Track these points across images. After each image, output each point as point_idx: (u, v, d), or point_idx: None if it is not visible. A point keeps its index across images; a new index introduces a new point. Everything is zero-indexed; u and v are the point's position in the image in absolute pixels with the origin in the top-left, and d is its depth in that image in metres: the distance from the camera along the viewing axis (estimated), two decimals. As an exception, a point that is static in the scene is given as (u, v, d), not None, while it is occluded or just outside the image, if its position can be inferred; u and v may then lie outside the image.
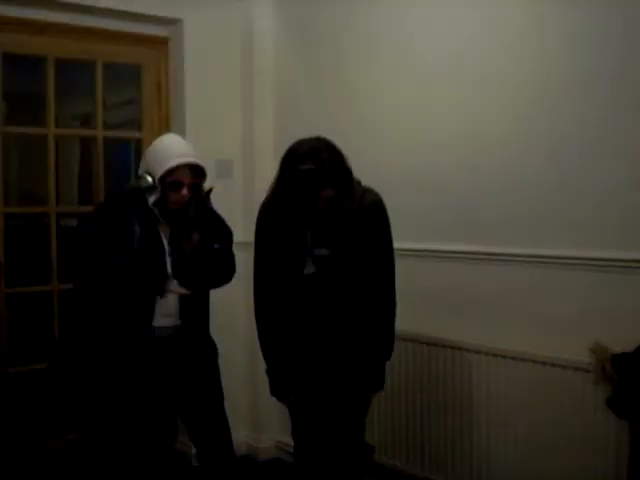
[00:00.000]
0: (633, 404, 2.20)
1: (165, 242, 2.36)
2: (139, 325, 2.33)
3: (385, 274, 2.27)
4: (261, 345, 2.36)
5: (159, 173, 2.27)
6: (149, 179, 2.29)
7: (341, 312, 2.23)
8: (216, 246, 2.39)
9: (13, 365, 3.21)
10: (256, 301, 2.36)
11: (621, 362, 2.24)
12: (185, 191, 2.29)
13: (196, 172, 2.32)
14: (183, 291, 2.35)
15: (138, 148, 3.60)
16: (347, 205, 2.18)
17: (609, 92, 2.35)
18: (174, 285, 2.34)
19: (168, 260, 2.35)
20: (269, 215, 2.30)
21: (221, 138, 3.54)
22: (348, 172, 2.20)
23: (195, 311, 2.44)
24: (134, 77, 3.55)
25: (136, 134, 3.62)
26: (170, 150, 2.33)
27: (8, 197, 3.54)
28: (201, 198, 2.37)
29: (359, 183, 2.28)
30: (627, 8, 2.30)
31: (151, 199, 2.31)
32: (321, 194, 2.12)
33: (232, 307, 3.43)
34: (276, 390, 2.34)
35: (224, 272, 2.46)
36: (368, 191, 2.28)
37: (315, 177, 2.09)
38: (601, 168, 2.38)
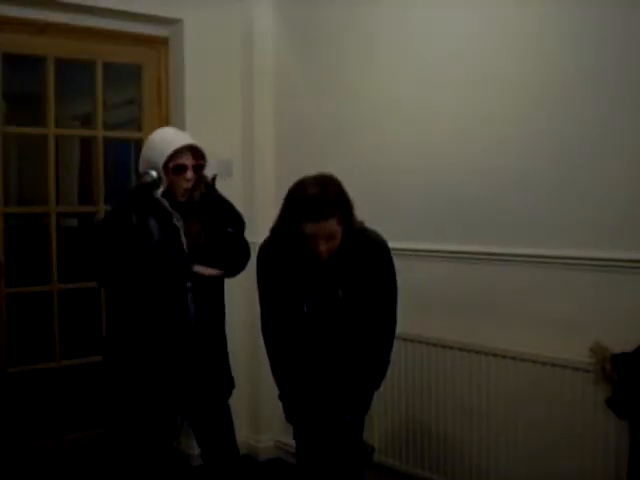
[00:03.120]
0: (633, 404, 2.20)
1: (182, 234, 2.37)
2: (176, 321, 2.34)
3: (387, 314, 2.27)
4: (274, 374, 2.36)
5: (162, 160, 2.28)
6: (153, 173, 2.30)
7: (340, 346, 2.27)
8: (230, 230, 2.38)
9: (13, 365, 3.21)
10: (265, 332, 2.37)
11: (621, 362, 2.24)
12: (190, 173, 2.30)
13: (196, 155, 2.34)
14: (211, 272, 2.31)
15: (138, 148, 3.60)
16: (350, 254, 2.17)
17: (609, 92, 2.35)
18: (198, 267, 2.30)
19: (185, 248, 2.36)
20: (271, 261, 2.28)
21: (221, 138, 3.54)
22: (352, 214, 2.14)
23: (209, 308, 2.43)
24: (134, 77, 3.55)
25: (136, 134, 3.62)
26: (168, 137, 2.36)
27: (8, 197, 3.55)
28: (208, 184, 2.37)
29: (363, 227, 2.23)
30: (627, 8, 2.30)
31: (158, 192, 2.31)
32: (326, 228, 2.07)
33: (231, 307, 3.41)
34: (291, 416, 2.36)
35: (240, 257, 2.45)
36: (372, 238, 2.24)
37: (321, 204, 2.04)
38: (601, 168, 2.38)
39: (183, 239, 2.36)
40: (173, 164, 2.28)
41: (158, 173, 2.29)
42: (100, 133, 3.44)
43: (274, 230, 2.24)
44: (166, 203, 2.33)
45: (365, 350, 2.26)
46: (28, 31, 3.16)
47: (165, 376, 2.36)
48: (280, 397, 2.36)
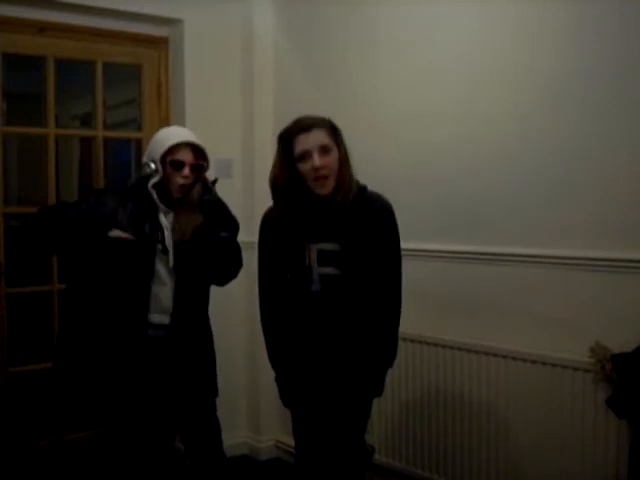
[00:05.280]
0: (633, 404, 2.20)
1: (166, 228, 2.35)
2: (133, 321, 2.32)
3: (392, 283, 2.22)
4: (269, 356, 2.33)
5: (160, 152, 2.29)
6: (152, 165, 2.31)
7: (347, 323, 2.21)
8: (223, 234, 2.36)
9: (13, 365, 3.20)
10: (262, 312, 2.34)
11: (621, 362, 2.25)
12: (187, 171, 2.31)
13: (197, 155, 2.34)
14: (123, 234, 2.28)
15: (138, 148, 3.61)
16: (347, 192, 2.15)
17: (609, 92, 2.35)
18: (115, 231, 2.28)
19: (170, 244, 2.34)
20: (273, 225, 2.27)
21: (221, 138, 3.54)
22: (346, 148, 2.19)
23: (191, 308, 2.41)
24: (134, 77, 3.55)
25: (136, 134, 3.62)
26: (171, 132, 2.40)
27: (8, 197, 3.55)
28: (206, 185, 2.36)
29: (365, 188, 2.24)
30: (627, 7, 2.30)
31: (150, 182, 2.31)
32: (317, 138, 2.10)
33: (232, 307, 3.43)
34: (285, 398, 2.33)
35: (231, 263, 2.43)
36: (375, 200, 2.23)
37: (309, 118, 2.14)
38: (601, 168, 2.38)
39: (167, 234, 2.34)
40: (171, 158, 2.30)
41: (156, 165, 2.31)
42: (100, 133, 3.44)
43: (273, 182, 2.21)
44: (155, 195, 2.33)
45: (371, 323, 2.20)
46: (28, 31, 3.16)
47: (156, 377, 2.35)
48: (276, 380, 2.33)
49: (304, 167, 2.12)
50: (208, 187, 2.37)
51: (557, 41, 2.48)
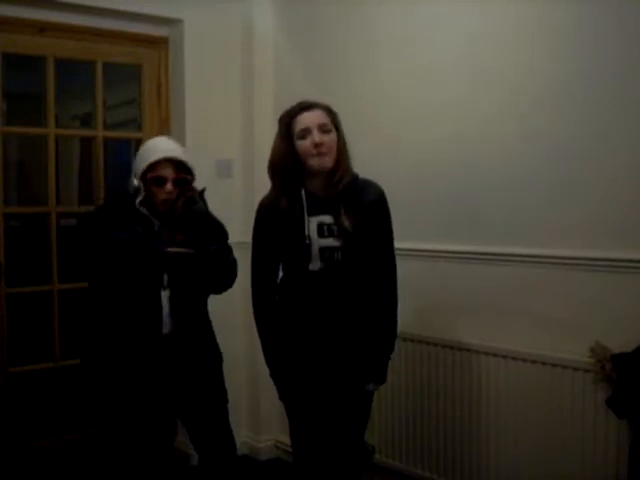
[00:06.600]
0: (633, 404, 2.20)
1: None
2: (152, 327, 2.32)
3: (388, 268, 2.28)
4: (264, 350, 2.33)
5: (141, 169, 2.28)
6: (135, 182, 2.30)
7: (346, 309, 2.21)
8: (213, 247, 2.31)
9: (13, 365, 3.20)
10: (255, 302, 2.33)
11: (621, 362, 2.25)
12: (169, 186, 2.27)
13: (180, 169, 2.30)
14: (182, 250, 2.27)
15: (138, 148, 3.60)
16: (346, 169, 2.21)
17: (609, 92, 2.35)
18: (171, 248, 2.26)
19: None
20: (268, 205, 2.28)
21: (221, 138, 3.55)
22: (343, 134, 2.25)
23: (188, 316, 2.39)
24: (134, 77, 3.55)
25: (136, 134, 3.62)
26: (152, 147, 2.35)
27: (8, 197, 3.55)
28: (191, 197, 2.30)
29: (358, 175, 2.27)
30: (627, 7, 2.30)
31: (137, 200, 2.30)
32: (317, 116, 2.17)
33: (231, 307, 3.43)
34: (284, 395, 2.32)
35: (222, 273, 2.39)
36: (369, 184, 2.28)
37: (308, 101, 2.21)
38: (601, 168, 2.38)
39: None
40: (152, 175, 2.28)
41: (138, 182, 2.30)
42: (100, 133, 3.44)
43: (271, 162, 2.25)
44: (145, 211, 2.31)
45: (371, 312, 2.22)
46: (28, 31, 3.15)
47: (140, 382, 2.34)
48: (271, 375, 2.32)
49: (304, 144, 2.16)
50: (193, 199, 2.31)
51: (557, 41, 2.48)
